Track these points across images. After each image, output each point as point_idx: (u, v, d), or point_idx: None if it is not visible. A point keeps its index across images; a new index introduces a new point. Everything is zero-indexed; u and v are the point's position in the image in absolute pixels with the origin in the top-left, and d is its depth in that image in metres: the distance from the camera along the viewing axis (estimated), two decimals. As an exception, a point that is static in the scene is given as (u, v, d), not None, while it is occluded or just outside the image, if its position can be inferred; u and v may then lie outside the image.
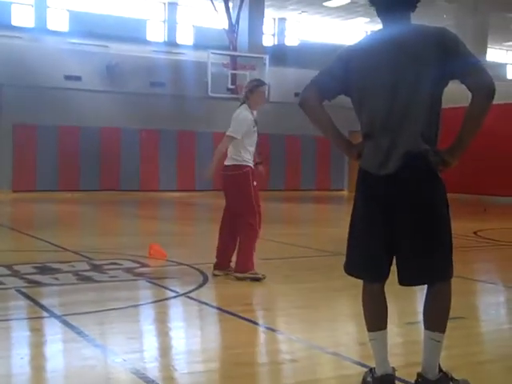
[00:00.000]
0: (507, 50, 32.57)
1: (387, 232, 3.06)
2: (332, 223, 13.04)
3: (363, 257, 3.15)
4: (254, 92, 6.39)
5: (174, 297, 5.49)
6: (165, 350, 4.08)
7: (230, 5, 21.34)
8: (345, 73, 3.12)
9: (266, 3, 22.72)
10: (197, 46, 22.82)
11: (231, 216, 6.38)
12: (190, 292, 5.56)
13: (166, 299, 5.49)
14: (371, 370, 3.29)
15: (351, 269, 3.21)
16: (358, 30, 29.39)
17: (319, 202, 20.33)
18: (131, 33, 21.58)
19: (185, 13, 27.46)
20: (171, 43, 23.38)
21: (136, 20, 26.43)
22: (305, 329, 4.20)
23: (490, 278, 6.91)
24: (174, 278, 6.50)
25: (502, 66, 32.22)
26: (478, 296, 6.07)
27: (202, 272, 6.47)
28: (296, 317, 4.96)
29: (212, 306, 5.18)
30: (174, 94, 21.00)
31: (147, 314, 5.09)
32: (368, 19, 26.67)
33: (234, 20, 21.35)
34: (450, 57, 2.95)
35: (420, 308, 5.48)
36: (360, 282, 3.21)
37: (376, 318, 3.22)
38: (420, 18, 3.05)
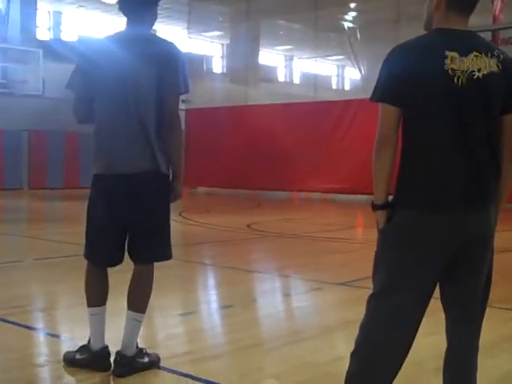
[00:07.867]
0: (278, 54, 34.55)
1: None
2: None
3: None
4: None
5: None
6: None
7: (-1, -6, 20.23)
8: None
9: (39, -5, 21.80)
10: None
11: None
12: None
13: None
14: (84, 347, 3.49)
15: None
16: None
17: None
18: None
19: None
20: None
21: None
22: (77, 327, 4.18)
23: (259, 268, 7.34)
24: None
25: (274, 68, 34.11)
26: (247, 285, 6.42)
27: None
28: (69, 316, 4.90)
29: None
30: None
31: None
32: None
33: (3, 11, 20.25)
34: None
35: (194, 299, 5.73)
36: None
37: (100, 294, 3.48)
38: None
